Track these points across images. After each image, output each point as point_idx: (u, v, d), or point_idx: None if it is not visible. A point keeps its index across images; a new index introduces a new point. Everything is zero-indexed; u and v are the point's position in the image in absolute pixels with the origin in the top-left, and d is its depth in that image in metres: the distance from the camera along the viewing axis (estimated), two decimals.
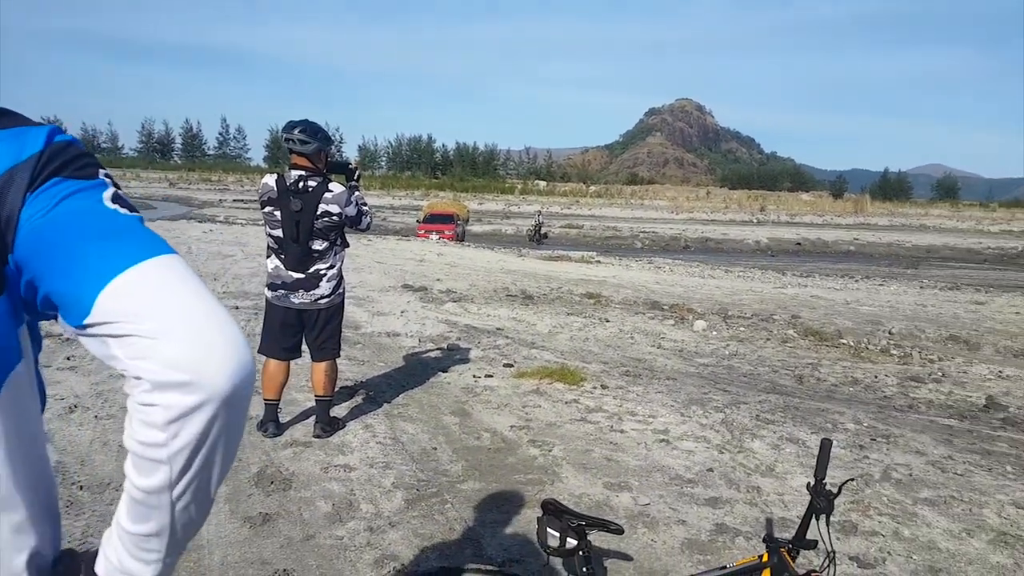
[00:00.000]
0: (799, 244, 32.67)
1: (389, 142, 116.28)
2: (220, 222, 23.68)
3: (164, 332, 0.64)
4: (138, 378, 0.64)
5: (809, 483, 1.90)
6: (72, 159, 0.72)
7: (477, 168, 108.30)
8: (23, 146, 0.70)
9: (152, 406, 0.64)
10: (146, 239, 0.70)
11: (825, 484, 1.89)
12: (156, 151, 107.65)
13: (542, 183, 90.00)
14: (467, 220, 27.94)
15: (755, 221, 47.38)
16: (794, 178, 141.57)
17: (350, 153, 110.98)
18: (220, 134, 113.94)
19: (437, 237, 22.16)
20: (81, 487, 3.27)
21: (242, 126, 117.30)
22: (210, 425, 0.65)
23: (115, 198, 0.73)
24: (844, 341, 7.81)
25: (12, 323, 0.70)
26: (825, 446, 1.90)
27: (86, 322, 0.66)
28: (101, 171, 0.75)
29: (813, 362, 6.86)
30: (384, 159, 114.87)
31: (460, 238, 24.51)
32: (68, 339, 5.77)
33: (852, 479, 2.62)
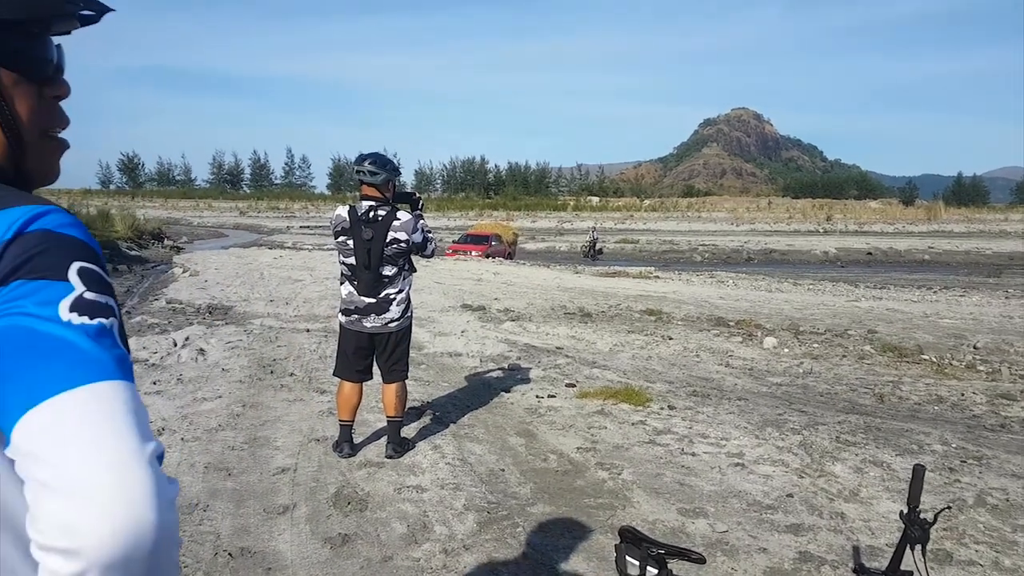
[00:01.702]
0: (870, 254, 31.43)
1: (443, 165, 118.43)
2: (288, 248, 24.49)
3: (56, 488, 0.56)
4: (32, 530, 0.57)
5: (901, 511, 1.81)
6: (39, 254, 0.64)
7: (529, 187, 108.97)
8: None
9: (41, 567, 0.57)
10: (82, 363, 0.61)
11: (919, 512, 1.80)
12: (227, 181, 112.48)
13: (595, 199, 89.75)
14: (514, 241, 27.78)
15: (821, 231, 45.91)
16: (861, 185, 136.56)
17: (407, 177, 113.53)
18: (286, 163, 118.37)
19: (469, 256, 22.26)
20: None
21: (306, 155, 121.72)
22: None
23: (76, 304, 0.64)
24: (926, 357, 7.44)
25: None
26: (918, 472, 1.81)
27: (6, 452, 0.60)
28: (75, 266, 0.65)
29: (893, 379, 6.55)
30: (439, 182, 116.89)
31: (509, 256, 24.56)
32: (154, 364, 6.06)
33: (948, 507, 2.48)
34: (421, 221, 4.00)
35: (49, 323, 0.61)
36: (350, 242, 3.85)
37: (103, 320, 0.65)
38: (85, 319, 0.63)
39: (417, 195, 4.19)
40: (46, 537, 0.56)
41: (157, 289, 12.18)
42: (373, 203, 3.85)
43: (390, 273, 3.89)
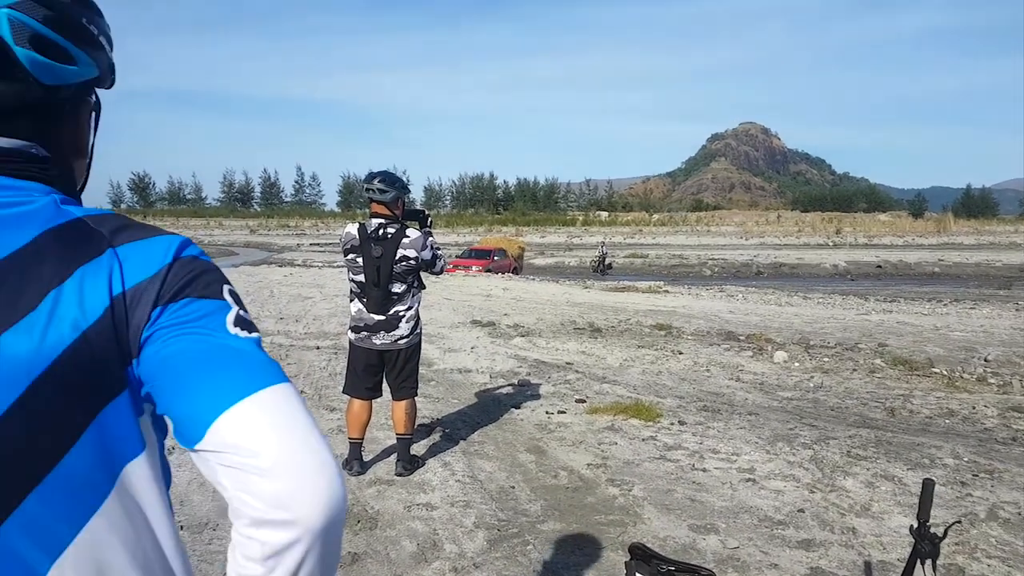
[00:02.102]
0: (880, 267, 31.27)
1: (453, 181, 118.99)
2: (299, 265, 24.65)
3: (269, 470, 0.65)
4: (240, 511, 0.66)
5: (912, 526, 1.82)
6: (198, 275, 0.74)
7: (538, 202, 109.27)
8: (151, 260, 0.73)
9: (251, 540, 0.65)
10: (262, 368, 0.71)
11: (929, 527, 1.80)
12: (237, 200, 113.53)
13: (604, 214, 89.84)
14: (521, 256, 27.76)
15: (831, 244, 45.75)
16: (870, 198, 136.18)
17: (416, 193, 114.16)
18: (296, 181, 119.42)
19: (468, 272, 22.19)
20: (182, 527, 3.44)
21: (316, 173, 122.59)
22: (304, 559, 0.65)
23: (237, 320, 0.74)
24: (936, 370, 7.39)
25: (132, 415, 0.72)
26: (928, 487, 1.82)
27: (197, 447, 0.68)
28: (226, 288, 0.76)
29: (904, 393, 6.52)
30: (448, 198, 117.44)
31: (515, 271, 24.51)
32: None
33: (958, 521, 2.47)
34: (430, 238, 4.04)
35: (226, 337, 0.71)
36: (360, 259, 3.90)
37: (257, 334, 0.75)
38: (247, 333, 0.74)
39: (426, 212, 4.24)
40: (262, 512, 0.64)
41: None
42: (383, 221, 3.90)
43: (399, 290, 3.93)
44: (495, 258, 25.12)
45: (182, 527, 3.43)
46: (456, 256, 26.22)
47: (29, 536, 0.67)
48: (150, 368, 0.70)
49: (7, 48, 0.72)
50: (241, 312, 0.75)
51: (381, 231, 3.87)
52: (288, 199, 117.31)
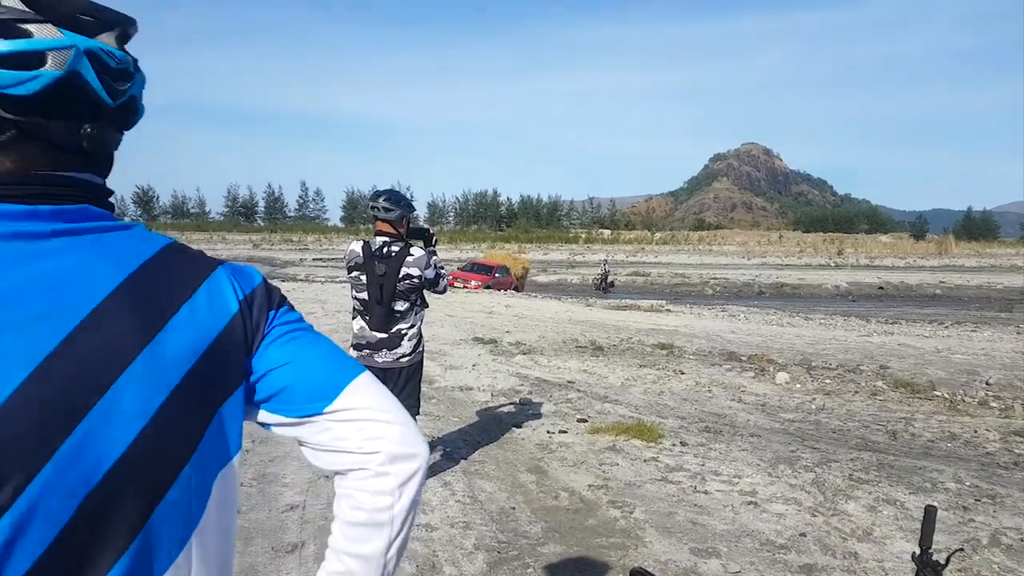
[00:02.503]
0: (881, 288, 31.26)
1: (456, 198, 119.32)
2: (301, 280, 24.66)
3: (394, 420, 0.86)
4: (375, 453, 0.84)
5: (914, 552, 1.81)
6: (281, 292, 0.92)
7: (541, 219, 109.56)
8: (253, 276, 0.89)
9: (386, 475, 0.84)
10: (348, 358, 0.92)
11: (931, 553, 1.80)
12: (240, 214, 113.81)
13: (606, 232, 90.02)
14: (524, 275, 27.53)
15: (833, 265, 45.75)
16: (871, 220, 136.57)
17: (420, 209, 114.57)
18: (300, 197, 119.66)
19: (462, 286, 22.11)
20: None
21: (320, 188, 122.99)
22: (419, 484, 0.86)
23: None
24: (938, 393, 7.37)
25: (242, 413, 0.85)
26: (930, 513, 1.81)
27: (327, 409, 0.85)
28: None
29: (906, 416, 6.50)
30: (452, 214, 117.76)
31: (517, 289, 24.42)
32: None
33: (961, 548, 2.46)
34: (434, 257, 4.06)
35: (321, 334, 0.92)
36: (363, 277, 3.91)
37: None
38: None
39: (431, 231, 4.26)
40: (396, 449, 0.84)
41: None
42: (387, 239, 3.92)
43: (402, 308, 3.94)
44: (496, 275, 24.97)
45: None
46: (457, 268, 26.14)
47: (169, 523, 0.76)
48: (268, 355, 0.86)
49: (132, 100, 0.84)
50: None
51: (385, 249, 3.90)
52: (292, 214, 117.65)
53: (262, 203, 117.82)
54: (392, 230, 3.94)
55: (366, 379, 0.88)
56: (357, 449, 0.84)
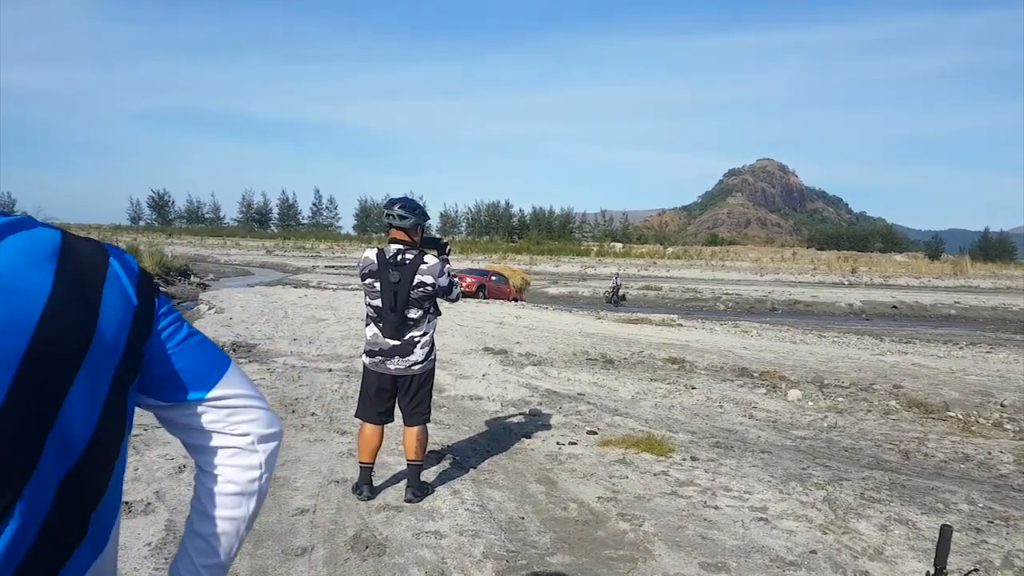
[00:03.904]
0: (895, 307, 31.02)
1: (468, 208, 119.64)
2: (313, 287, 24.78)
3: (260, 405, 0.99)
4: (245, 435, 0.97)
5: (928, 572, 1.80)
6: (151, 277, 0.96)
7: (553, 231, 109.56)
8: (133, 264, 0.92)
9: (254, 452, 0.97)
10: (221, 350, 1.01)
11: (946, 573, 1.79)
12: (255, 220, 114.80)
13: (618, 245, 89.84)
14: (523, 287, 27.18)
15: (846, 283, 45.46)
16: (886, 238, 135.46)
17: (432, 218, 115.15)
18: (314, 204, 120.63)
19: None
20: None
21: (334, 196, 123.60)
22: (276, 456, 1.00)
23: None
24: (952, 414, 7.30)
25: (134, 400, 0.91)
26: (946, 533, 1.81)
27: (207, 396, 0.95)
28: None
29: (919, 436, 6.43)
30: (464, 224, 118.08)
31: (514, 301, 24.08)
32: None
33: (976, 569, 2.43)
34: (447, 266, 4.08)
35: (194, 328, 0.99)
36: (377, 284, 3.94)
37: None
38: None
39: (445, 241, 4.29)
40: (266, 430, 0.98)
41: None
42: (401, 247, 3.95)
43: (415, 316, 3.96)
44: (492, 279, 24.69)
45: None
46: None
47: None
48: (159, 345, 0.92)
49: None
50: None
51: (399, 257, 3.92)
52: (305, 221, 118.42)
53: (276, 210, 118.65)
54: (406, 238, 3.97)
55: (235, 369, 0.99)
56: (229, 431, 0.96)
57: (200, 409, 0.95)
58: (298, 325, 12.06)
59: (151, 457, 4.73)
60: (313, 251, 68.06)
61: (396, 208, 3.94)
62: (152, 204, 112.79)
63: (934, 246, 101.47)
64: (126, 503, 3.92)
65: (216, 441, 0.96)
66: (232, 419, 0.96)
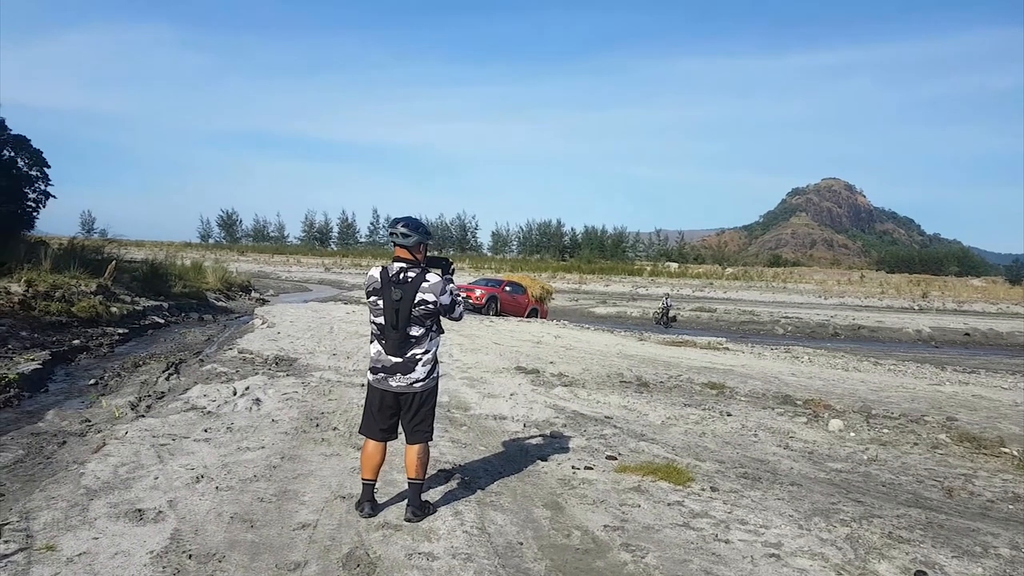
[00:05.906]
0: (967, 335, 29.34)
1: (520, 227, 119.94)
2: (363, 303, 25.26)
3: None
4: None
5: None
6: None
7: (605, 250, 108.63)
8: None
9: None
10: None
11: None
12: (316, 239, 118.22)
13: (673, 264, 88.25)
14: (544, 297, 26.30)
15: (916, 308, 43.35)
16: (962, 262, 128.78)
17: (484, 237, 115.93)
18: (371, 223, 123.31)
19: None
20: (190, 556, 3.50)
21: (391, 215, 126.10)
22: None
23: None
24: (1007, 450, 6.79)
25: None
26: None
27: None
28: None
29: (967, 473, 6.01)
30: (515, 243, 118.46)
31: (534, 315, 23.42)
32: (210, 412, 6.34)
33: None
34: (450, 284, 4.08)
35: None
36: (380, 302, 3.97)
37: None
38: None
39: (449, 260, 4.29)
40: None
41: (234, 339, 12.78)
42: (404, 264, 3.98)
43: (417, 334, 3.97)
44: (506, 288, 23.78)
45: (191, 556, 3.50)
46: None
47: None
48: None
49: None
50: None
51: (402, 275, 3.95)
52: (363, 239, 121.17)
53: (336, 229, 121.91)
54: (410, 256, 4.00)
55: None
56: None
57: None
58: (340, 340, 12.27)
59: (173, 467, 4.86)
60: (368, 268, 69.36)
61: (399, 227, 3.98)
62: (221, 223, 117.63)
63: (1014, 270, 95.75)
64: (138, 510, 4.03)
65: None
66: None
